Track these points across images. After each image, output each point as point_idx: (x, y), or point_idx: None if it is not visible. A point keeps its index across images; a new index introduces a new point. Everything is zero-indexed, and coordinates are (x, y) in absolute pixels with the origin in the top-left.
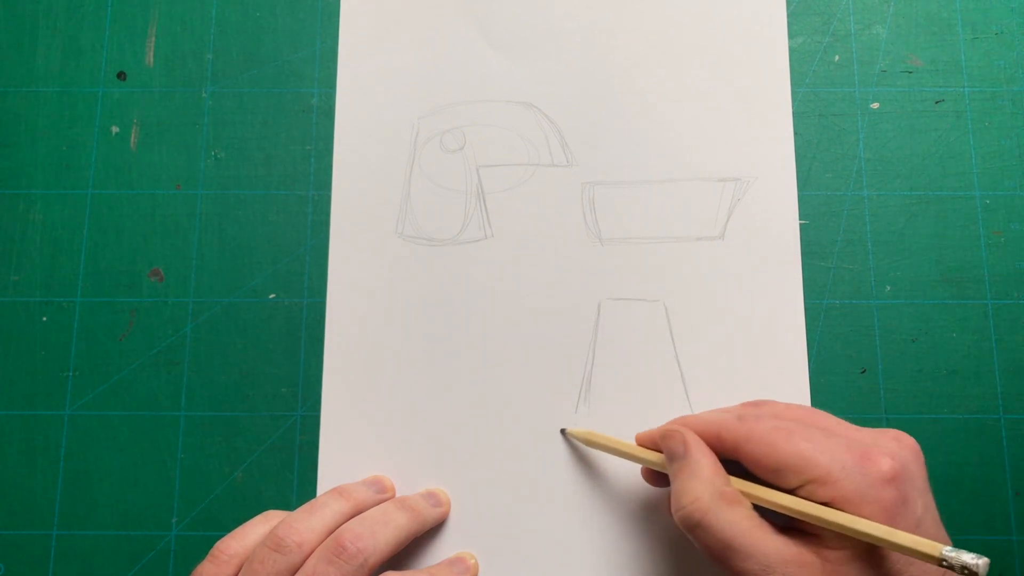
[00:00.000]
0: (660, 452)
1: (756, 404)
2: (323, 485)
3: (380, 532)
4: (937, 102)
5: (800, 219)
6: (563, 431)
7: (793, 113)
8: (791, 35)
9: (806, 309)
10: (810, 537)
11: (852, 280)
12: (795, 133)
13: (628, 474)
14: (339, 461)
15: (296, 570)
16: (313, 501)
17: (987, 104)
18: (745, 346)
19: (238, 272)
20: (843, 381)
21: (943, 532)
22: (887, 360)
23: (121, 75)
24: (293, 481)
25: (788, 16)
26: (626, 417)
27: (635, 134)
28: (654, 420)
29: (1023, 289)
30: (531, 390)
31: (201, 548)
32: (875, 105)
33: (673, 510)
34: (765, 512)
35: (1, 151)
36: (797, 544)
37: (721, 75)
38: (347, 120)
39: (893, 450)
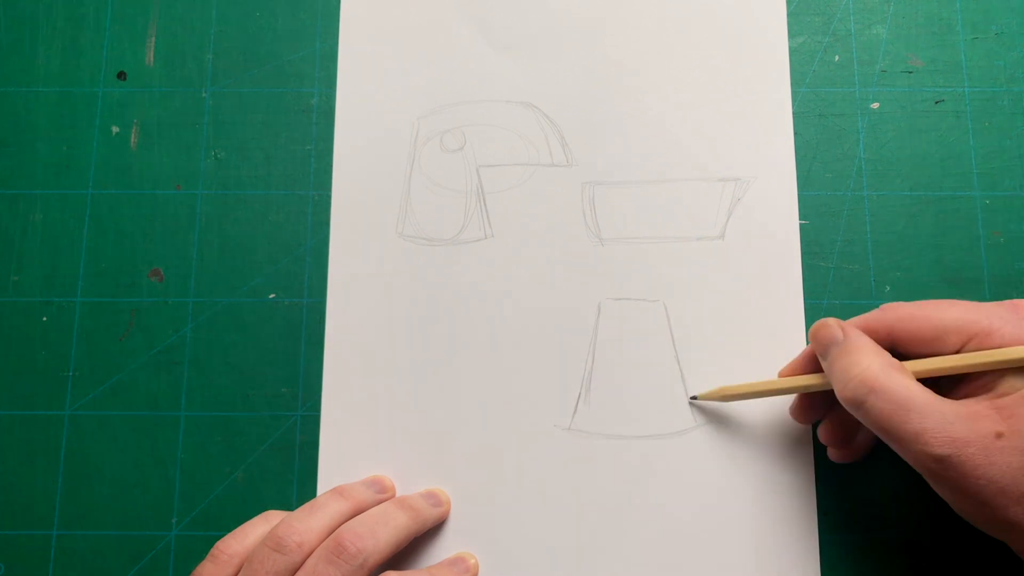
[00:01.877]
0: (805, 375)
1: (883, 306)
2: (323, 485)
3: (380, 532)
4: (937, 102)
5: (800, 219)
6: (693, 398)
7: (793, 113)
8: (791, 35)
9: (806, 309)
10: (980, 396)
11: (852, 280)
12: (795, 133)
13: (628, 474)
14: (339, 461)
15: (296, 570)
16: (313, 501)
17: (987, 104)
18: (745, 346)
19: (238, 272)
20: None
21: None
22: None
23: (121, 75)
24: (293, 481)
25: (788, 16)
26: (626, 417)
27: (635, 134)
28: (654, 420)
29: (1023, 289)
30: (531, 390)
31: (201, 548)
32: (875, 105)
33: (840, 390)
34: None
35: (1, 151)
36: (969, 402)
37: (721, 75)
38: (347, 120)
39: None
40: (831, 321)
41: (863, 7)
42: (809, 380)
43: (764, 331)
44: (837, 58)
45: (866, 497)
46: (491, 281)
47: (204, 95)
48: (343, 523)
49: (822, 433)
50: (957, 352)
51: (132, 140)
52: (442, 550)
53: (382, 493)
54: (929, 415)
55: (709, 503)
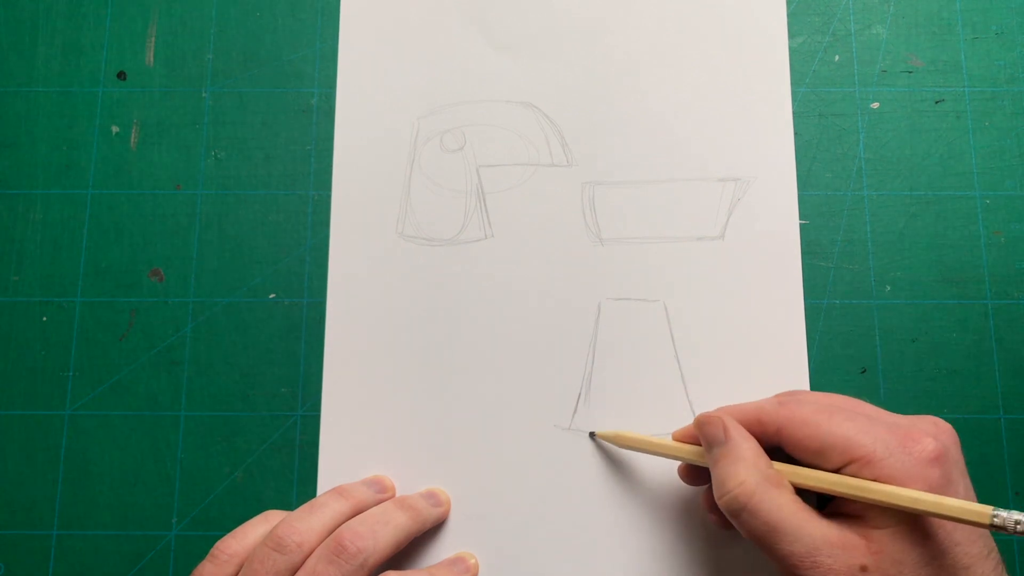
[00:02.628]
0: (696, 445)
1: (792, 393)
2: (323, 485)
3: (380, 532)
4: (937, 102)
5: (800, 219)
6: (592, 434)
7: (793, 113)
8: (791, 35)
9: (806, 309)
10: (853, 520)
11: (852, 280)
12: (795, 133)
13: (628, 474)
14: (339, 461)
15: (296, 569)
16: (313, 501)
17: (987, 104)
18: (745, 346)
19: (238, 272)
20: (843, 381)
21: None
22: (887, 360)
23: (121, 75)
24: (293, 481)
25: (788, 16)
26: (626, 417)
27: (635, 134)
28: (654, 420)
29: (1023, 289)
30: (531, 390)
31: (201, 548)
32: (875, 105)
33: (717, 496)
34: (805, 498)
35: (1, 151)
36: (840, 527)
37: (721, 75)
38: (347, 120)
39: (934, 432)
40: (715, 418)
41: (863, 7)
42: (696, 455)
43: (764, 331)
44: (837, 58)
45: None
46: (491, 281)
47: (204, 95)
48: (343, 523)
49: (704, 500)
50: (837, 470)
51: (132, 140)
52: (442, 550)
53: (382, 493)
54: (798, 540)
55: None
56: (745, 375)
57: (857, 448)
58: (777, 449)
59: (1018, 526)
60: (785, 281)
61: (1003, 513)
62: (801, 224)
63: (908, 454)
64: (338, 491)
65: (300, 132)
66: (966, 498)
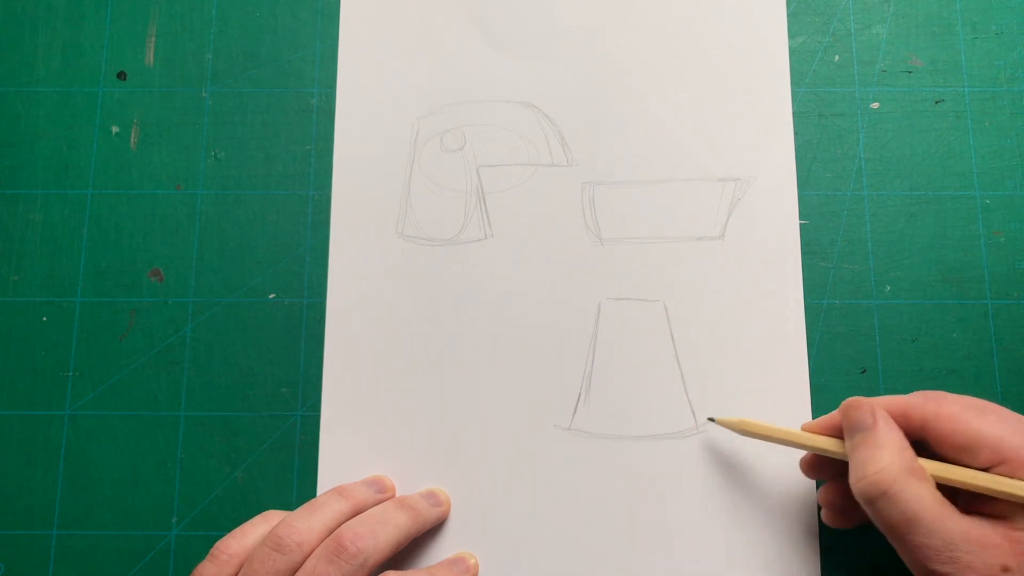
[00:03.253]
0: (827, 436)
1: (932, 392)
2: (323, 485)
3: (380, 532)
4: (937, 102)
5: (800, 219)
6: (711, 419)
7: (793, 113)
8: (791, 35)
9: (806, 309)
10: (995, 519)
11: (852, 280)
12: (795, 133)
13: (627, 474)
14: (339, 461)
15: (296, 569)
16: (313, 501)
17: (987, 104)
18: (745, 346)
19: (238, 272)
20: (843, 381)
21: None
22: (887, 360)
23: (121, 75)
24: (293, 481)
25: (788, 16)
26: (626, 417)
27: (635, 134)
28: (654, 420)
29: (1023, 289)
30: (531, 390)
31: (201, 548)
32: (875, 105)
33: (855, 480)
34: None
35: (1, 151)
36: (982, 525)
37: (721, 75)
38: (347, 120)
39: None
40: (864, 404)
41: (863, 7)
42: (829, 444)
43: (764, 331)
44: (837, 58)
45: None
46: (491, 281)
47: (204, 95)
48: (343, 523)
49: (822, 495)
50: (986, 469)
51: (132, 140)
52: (442, 550)
53: (382, 493)
54: (935, 533)
55: (709, 503)
56: (745, 375)
57: (1009, 449)
58: (918, 446)
59: None
60: (785, 281)
61: None
62: (801, 224)
63: None
64: (338, 491)
65: (300, 132)
66: None
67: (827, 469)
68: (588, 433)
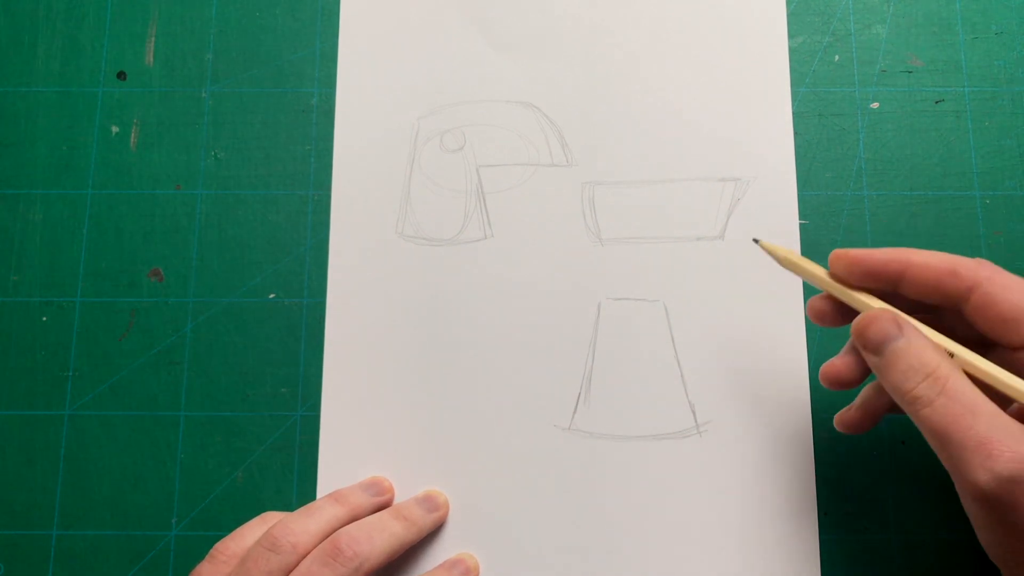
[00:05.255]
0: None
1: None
2: (323, 485)
3: (377, 538)
4: (937, 102)
5: (800, 219)
6: (756, 240)
7: (793, 113)
8: (791, 35)
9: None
10: None
11: None
12: (795, 133)
13: (627, 474)
14: (339, 461)
15: (290, 570)
16: (310, 505)
17: (987, 104)
18: (745, 346)
19: (238, 272)
20: None
21: None
22: None
23: (121, 75)
24: (293, 481)
25: (788, 16)
26: (626, 417)
27: (635, 134)
28: (654, 420)
29: None
30: (531, 390)
31: (201, 548)
32: (875, 105)
33: (905, 389)
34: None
35: (1, 151)
36: None
37: (721, 75)
38: (347, 120)
39: None
40: (883, 314)
41: (863, 7)
42: (869, 300)
43: (764, 331)
44: (837, 58)
45: (866, 497)
46: (491, 281)
47: (204, 95)
48: (339, 527)
49: (862, 397)
50: (1020, 348)
51: (132, 140)
52: (442, 550)
53: (380, 495)
54: (997, 427)
55: (708, 503)
56: (745, 375)
57: None
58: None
59: None
60: (785, 281)
61: None
62: (801, 224)
63: None
64: (335, 496)
65: (300, 132)
66: None
67: (838, 316)
68: (588, 433)
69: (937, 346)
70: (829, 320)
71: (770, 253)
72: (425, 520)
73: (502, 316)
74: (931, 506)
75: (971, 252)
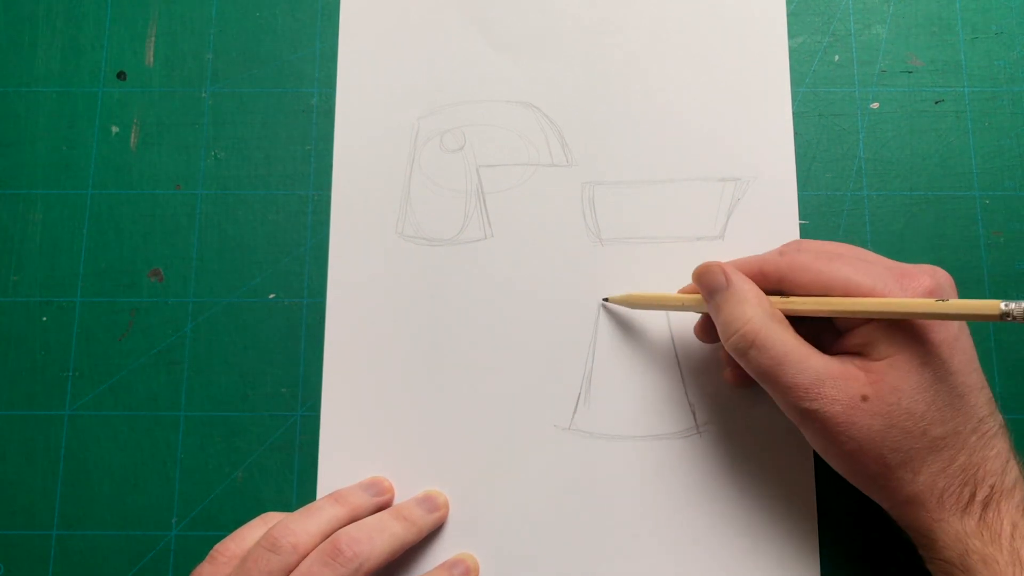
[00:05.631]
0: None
1: (793, 242)
2: (323, 485)
3: (377, 539)
4: (937, 102)
5: (800, 219)
6: (605, 300)
7: (793, 113)
8: (791, 35)
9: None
10: (852, 356)
11: None
12: (795, 133)
13: (627, 474)
14: (339, 461)
15: (290, 571)
16: (310, 505)
17: (987, 104)
18: None
19: (238, 272)
20: None
21: (976, 355)
22: None
23: (121, 75)
24: (293, 481)
25: (788, 16)
26: (626, 417)
27: (635, 134)
28: (654, 420)
29: (1023, 289)
30: (531, 390)
31: (201, 548)
32: (875, 105)
33: (724, 338)
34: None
35: (1, 151)
36: (842, 361)
37: (721, 75)
38: (347, 120)
39: (930, 272)
40: (714, 267)
41: (863, 7)
42: (700, 303)
43: None
44: (837, 58)
45: (866, 497)
46: (491, 281)
47: (204, 95)
48: (339, 528)
49: (722, 353)
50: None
51: (132, 140)
52: (442, 550)
53: (380, 496)
54: (803, 371)
55: (709, 503)
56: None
57: (856, 288)
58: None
59: None
60: None
61: (1012, 304)
62: (801, 224)
63: (904, 290)
64: (335, 496)
65: (300, 132)
66: (959, 331)
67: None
68: (588, 433)
69: (758, 297)
70: (708, 335)
71: (621, 304)
72: (425, 520)
73: (502, 316)
74: None
75: (970, 252)
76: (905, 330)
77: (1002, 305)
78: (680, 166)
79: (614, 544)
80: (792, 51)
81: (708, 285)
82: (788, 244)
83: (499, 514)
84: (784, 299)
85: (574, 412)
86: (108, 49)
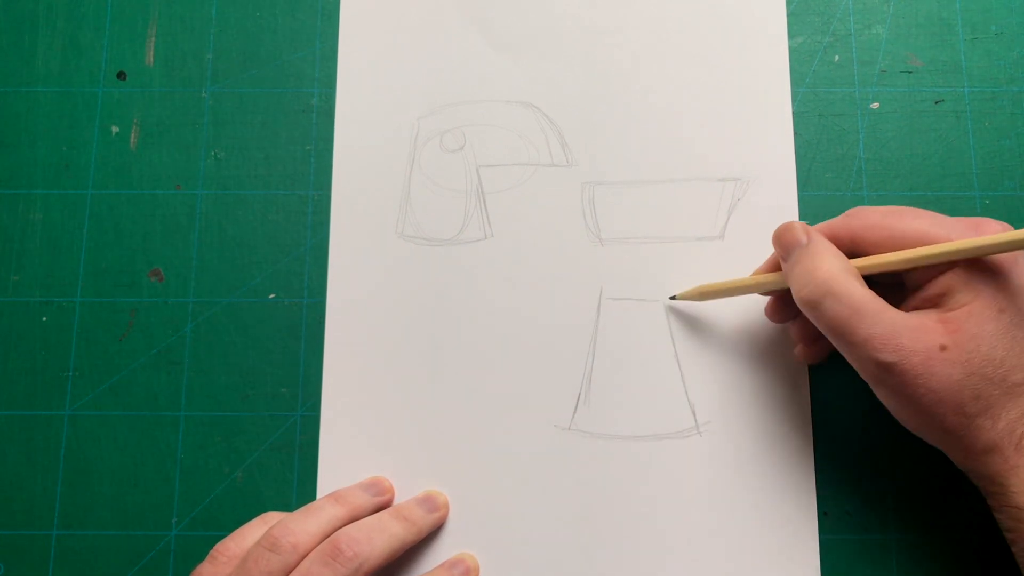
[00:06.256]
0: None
1: (853, 209)
2: (323, 485)
3: (377, 539)
4: (937, 102)
5: (800, 219)
6: (672, 297)
7: (793, 113)
8: (791, 35)
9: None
10: (927, 310)
11: None
12: (795, 133)
13: (627, 474)
14: (339, 461)
15: (290, 570)
16: (310, 505)
17: (987, 104)
18: (745, 346)
19: (238, 272)
20: (843, 382)
21: None
22: None
23: (121, 75)
24: (293, 481)
25: (788, 16)
26: (626, 417)
27: (635, 134)
28: (654, 420)
29: None
30: (531, 390)
31: (201, 548)
32: (875, 105)
33: (799, 291)
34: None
35: (1, 151)
36: (918, 314)
37: (721, 75)
38: (347, 120)
39: (998, 222)
40: (796, 225)
41: (863, 7)
42: (775, 278)
43: (764, 331)
44: (837, 58)
45: (866, 497)
46: (491, 281)
47: (204, 95)
48: (339, 528)
49: (793, 330)
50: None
51: (132, 140)
52: (442, 550)
53: (380, 496)
54: (879, 322)
55: (709, 503)
56: (745, 375)
57: (933, 239)
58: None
59: None
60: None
61: None
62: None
63: (981, 235)
64: (335, 496)
65: (300, 132)
66: None
67: (790, 308)
68: (588, 433)
69: (836, 254)
70: (779, 314)
71: (691, 299)
72: (425, 520)
73: (502, 316)
74: (931, 506)
75: None
76: (983, 277)
77: None
78: (680, 166)
79: (614, 544)
80: (792, 51)
81: (787, 243)
82: (850, 210)
83: (499, 514)
84: (864, 258)
85: (574, 412)
86: (108, 49)
